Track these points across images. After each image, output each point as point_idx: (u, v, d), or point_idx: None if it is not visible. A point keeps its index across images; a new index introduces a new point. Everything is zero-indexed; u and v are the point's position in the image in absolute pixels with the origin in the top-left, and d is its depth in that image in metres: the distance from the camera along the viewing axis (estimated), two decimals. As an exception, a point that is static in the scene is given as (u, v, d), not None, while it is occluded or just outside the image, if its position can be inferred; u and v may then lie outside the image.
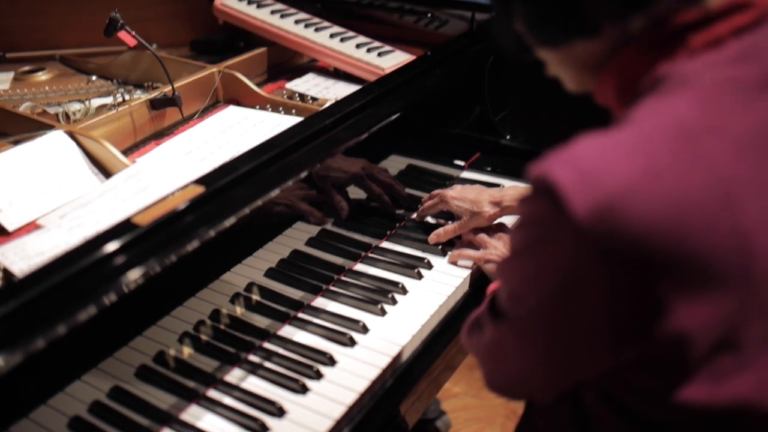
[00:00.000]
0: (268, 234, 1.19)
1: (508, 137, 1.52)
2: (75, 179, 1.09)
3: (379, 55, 1.47)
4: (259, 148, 1.04)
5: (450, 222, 1.25)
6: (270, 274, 1.14)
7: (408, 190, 1.35)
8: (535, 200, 0.61)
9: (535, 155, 0.60)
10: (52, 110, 1.33)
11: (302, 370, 0.96)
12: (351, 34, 1.55)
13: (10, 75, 1.52)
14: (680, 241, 0.55)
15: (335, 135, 1.12)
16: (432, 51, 1.43)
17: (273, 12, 1.58)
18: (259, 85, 1.43)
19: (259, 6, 1.59)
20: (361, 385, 0.94)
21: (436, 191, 1.28)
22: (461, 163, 1.51)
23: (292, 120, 1.23)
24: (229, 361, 0.98)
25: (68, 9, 1.63)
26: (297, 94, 1.44)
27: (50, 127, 1.19)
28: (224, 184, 0.95)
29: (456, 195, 1.23)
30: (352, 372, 0.96)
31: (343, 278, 1.16)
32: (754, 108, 0.60)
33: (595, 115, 0.77)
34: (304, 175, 1.04)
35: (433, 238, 1.23)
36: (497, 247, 1.17)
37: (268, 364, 0.98)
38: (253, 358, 0.99)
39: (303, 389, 0.93)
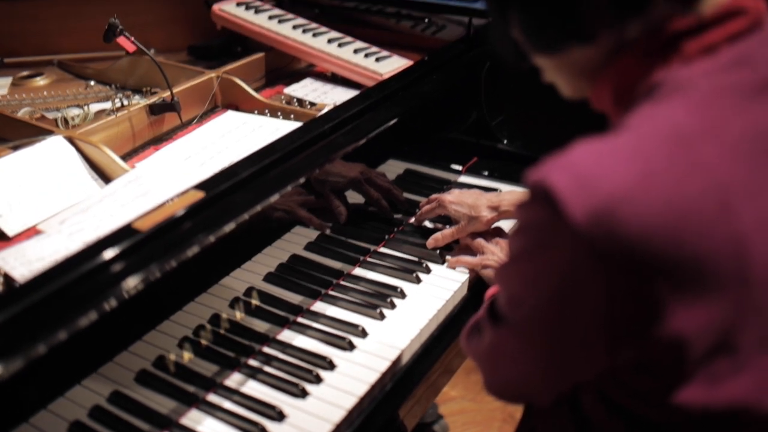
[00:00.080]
0: (267, 238, 1.19)
1: (504, 142, 1.53)
2: (75, 184, 1.10)
3: (377, 60, 1.48)
4: (259, 153, 1.04)
5: (448, 226, 1.26)
6: (269, 278, 1.15)
7: (406, 195, 1.35)
8: (533, 205, 0.61)
9: (532, 160, 0.61)
10: (50, 115, 1.34)
11: (302, 375, 0.96)
12: (348, 39, 1.56)
13: (8, 80, 1.53)
14: (677, 245, 0.56)
15: (334, 140, 1.13)
16: (429, 56, 1.44)
17: (271, 17, 1.58)
18: (257, 90, 1.44)
19: (257, 11, 1.60)
20: (361, 389, 0.94)
21: (434, 196, 1.28)
22: (458, 167, 1.52)
23: (291, 125, 1.24)
24: (228, 366, 0.98)
25: (65, 14, 1.63)
26: (295, 99, 1.44)
27: (49, 133, 1.19)
28: (224, 189, 0.95)
29: (454, 199, 1.23)
30: (352, 376, 0.96)
31: (342, 283, 1.16)
32: (748, 113, 0.61)
33: (590, 120, 0.78)
34: (303, 180, 1.05)
35: (431, 242, 1.24)
36: (495, 252, 1.18)
37: (267, 369, 0.98)
38: (252, 362, 0.99)
39: (303, 393, 0.93)
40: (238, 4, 1.61)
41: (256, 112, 1.37)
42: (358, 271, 1.19)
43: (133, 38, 1.35)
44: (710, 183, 0.58)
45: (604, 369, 0.65)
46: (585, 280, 0.59)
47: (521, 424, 0.91)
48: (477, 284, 1.19)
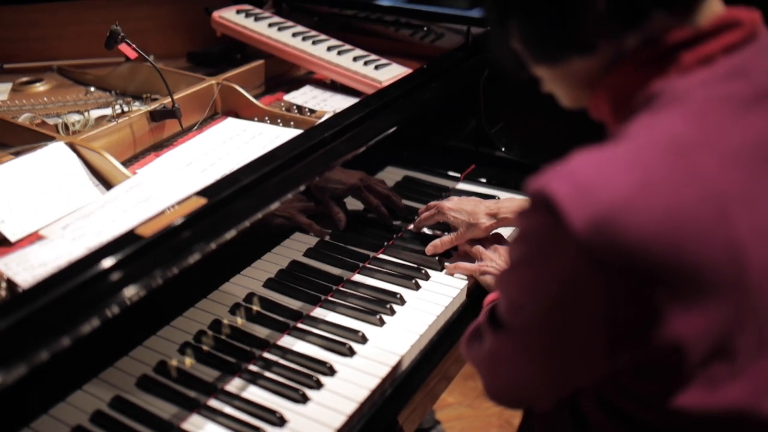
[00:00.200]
0: (266, 245, 1.20)
1: (503, 149, 1.54)
2: (76, 190, 1.10)
3: (376, 68, 1.49)
4: (260, 160, 1.05)
5: (447, 233, 1.26)
6: (269, 284, 1.15)
7: (404, 202, 1.36)
8: (534, 213, 0.62)
9: (530, 168, 0.62)
10: (51, 121, 1.34)
11: (302, 380, 0.97)
12: (348, 47, 1.57)
13: (8, 86, 1.53)
14: (675, 252, 0.57)
15: (335, 147, 1.13)
16: (428, 64, 1.45)
17: (271, 25, 1.59)
18: (256, 97, 1.45)
19: (257, 19, 1.61)
20: (361, 394, 0.95)
21: (433, 202, 1.29)
22: (457, 174, 1.53)
23: (291, 132, 1.25)
24: (229, 371, 0.99)
25: (65, 20, 1.64)
26: (295, 106, 1.45)
27: (51, 139, 1.20)
28: (226, 196, 0.96)
29: (453, 206, 1.24)
30: (352, 382, 0.97)
31: (341, 289, 1.17)
32: (744, 123, 0.63)
33: (588, 128, 0.79)
34: (304, 187, 1.06)
35: (430, 249, 1.24)
36: (493, 259, 1.19)
37: (268, 374, 0.99)
38: (253, 367, 1.00)
39: (303, 399, 0.94)
40: (239, 12, 1.63)
41: (256, 119, 1.38)
42: (358, 278, 1.20)
43: (134, 45, 1.36)
44: (708, 192, 0.59)
45: (604, 373, 0.65)
46: (585, 287, 0.60)
47: (521, 428, 0.91)
48: (476, 291, 1.19)
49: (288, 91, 1.52)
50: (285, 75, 1.63)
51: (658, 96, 0.65)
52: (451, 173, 1.53)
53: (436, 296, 1.16)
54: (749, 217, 0.60)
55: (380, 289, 1.16)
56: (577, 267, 0.59)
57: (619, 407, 0.70)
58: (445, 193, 1.45)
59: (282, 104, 1.47)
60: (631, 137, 0.63)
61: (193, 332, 1.04)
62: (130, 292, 0.81)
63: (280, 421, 0.90)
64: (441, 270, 1.22)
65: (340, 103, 1.46)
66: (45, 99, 1.48)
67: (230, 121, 1.34)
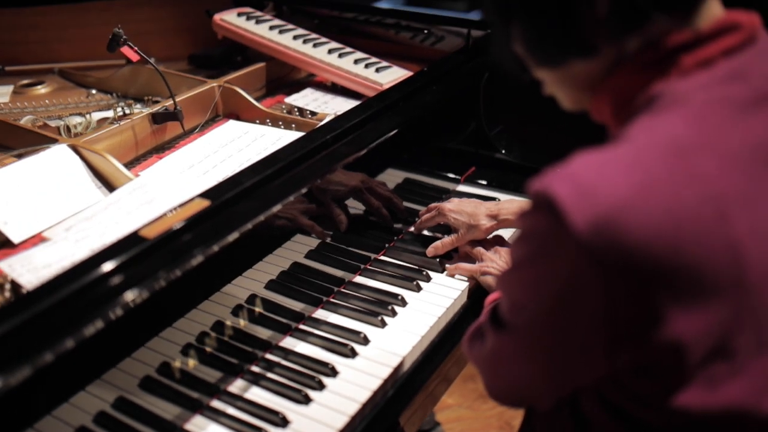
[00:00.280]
0: (268, 247, 1.20)
1: (502, 152, 1.54)
2: (79, 192, 1.11)
3: (377, 70, 1.50)
4: (263, 162, 1.06)
5: (447, 235, 1.27)
6: (271, 286, 1.16)
7: (405, 204, 1.37)
8: (536, 214, 0.63)
9: (529, 170, 0.63)
10: (52, 123, 1.35)
11: (305, 381, 0.97)
12: (349, 49, 1.58)
13: (10, 88, 1.54)
14: (675, 253, 0.58)
15: (337, 150, 1.14)
16: (429, 67, 1.46)
17: (272, 28, 1.60)
18: (258, 99, 1.45)
19: (258, 22, 1.61)
20: (363, 395, 0.95)
21: (434, 204, 1.30)
22: (457, 177, 1.54)
23: (293, 134, 1.25)
24: (232, 372, 0.99)
25: (65, 23, 1.64)
26: (296, 109, 1.46)
27: (53, 141, 1.20)
28: (229, 198, 0.96)
29: (453, 208, 1.25)
30: (354, 382, 0.97)
31: (343, 290, 1.17)
32: (743, 125, 0.63)
33: (587, 130, 0.79)
34: (307, 188, 1.06)
35: (431, 251, 1.25)
36: (494, 260, 1.19)
37: (270, 375, 0.99)
38: (255, 368, 1.00)
39: (306, 399, 0.94)
40: (240, 15, 1.63)
41: (257, 121, 1.38)
42: (359, 279, 1.21)
43: (136, 48, 1.36)
44: (707, 193, 0.60)
45: (604, 373, 0.66)
46: (586, 287, 0.60)
47: (522, 428, 0.92)
48: (477, 292, 1.20)
49: (289, 93, 1.53)
50: (286, 77, 1.64)
51: (658, 98, 0.65)
52: (451, 175, 1.53)
53: (437, 297, 1.16)
54: (749, 219, 0.61)
55: (381, 291, 1.17)
56: (578, 267, 0.60)
57: (619, 407, 0.70)
58: (445, 195, 1.46)
59: (283, 107, 1.48)
60: (632, 139, 0.63)
61: (196, 334, 1.04)
62: (134, 293, 0.82)
63: (283, 421, 0.91)
64: (442, 271, 1.23)
65: (341, 105, 1.46)
66: (46, 101, 1.48)
67: (232, 124, 1.35)
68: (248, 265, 1.17)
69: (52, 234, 1.00)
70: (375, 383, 0.97)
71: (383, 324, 1.09)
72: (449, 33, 1.63)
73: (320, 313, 1.12)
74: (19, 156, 1.17)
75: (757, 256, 0.60)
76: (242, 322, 1.08)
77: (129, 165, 1.24)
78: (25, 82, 1.57)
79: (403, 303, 1.14)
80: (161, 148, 1.32)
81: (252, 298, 1.12)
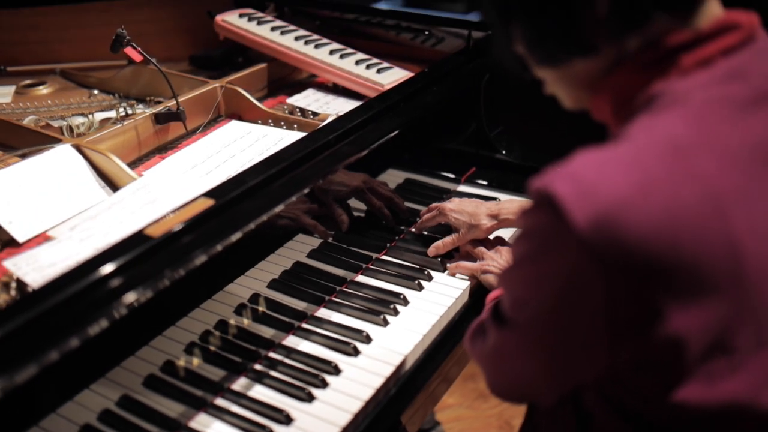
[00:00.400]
0: (270, 246, 1.21)
1: (503, 152, 1.55)
2: (83, 192, 1.12)
3: (378, 71, 1.51)
4: (266, 161, 1.06)
5: (448, 235, 1.28)
6: (273, 285, 1.17)
7: (406, 204, 1.37)
8: (537, 212, 0.64)
9: (530, 170, 0.63)
10: (55, 123, 1.35)
11: (308, 379, 0.98)
12: (350, 50, 1.59)
13: (12, 89, 1.54)
14: (674, 250, 0.59)
15: (339, 150, 1.15)
16: (430, 68, 1.46)
17: (273, 29, 1.61)
18: (259, 100, 1.46)
19: (259, 23, 1.62)
20: (366, 393, 0.96)
21: (435, 204, 1.31)
22: (457, 177, 1.55)
23: (295, 135, 1.26)
24: (235, 370, 1.00)
25: (66, 23, 1.65)
26: (297, 109, 1.47)
27: (57, 141, 1.21)
28: (233, 197, 0.97)
29: (454, 208, 1.26)
30: (357, 381, 0.98)
31: (345, 289, 1.18)
32: (742, 124, 0.64)
33: (587, 130, 0.80)
34: (309, 188, 1.07)
35: (432, 250, 1.26)
36: (495, 259, 1.20)
37: (274, 373, 1.00)
38: (259, 367, 1.01)
39: (309, 397, 0.95)
40: (241, 16, 1.64)
41: (259, 121, 1.39)
42: (361, 278, 1.21)
43: (139, 48, 1.37)
44: (706, 192, 0.60)
45: (606, 369, 0.67)
46: (586, 283, 0.61)
47: (525, 424, 0.93)
48: (478, 291, 1.21)
49: (291, 94, 1.54)
50: (287, 78, 1.65)
51: (658, 97, 0.66)
52: (451, 176, 1.54)
53: (438, 297, 1.17)
54: (747, 217, 0.61)
55: (383, 290, 1.18)
56: (579, 264, 0.60)
57: (621, 402, 0.71)
58: (446, 195, 1.47)
59: (285, 107, 1.48)
60: (632, 138, 0.64)
61: (199, 332, 1.05)
62: (138, 292, 0.82)
63: (287, 419, 0.91)
64: (443, 271, 1.23)
65: (343, 106, 1.47)
66: (49, 102, 1.49)
67: (234, 124, 1.36)
68: (251, 265, 1.18)
69: (57, 233, 1.01)
70: (378, 381, 0.98)
71: (385, 323, 1.10)
72: (450, 34, 1.64)
73: (323, 312, 1.13)
74: (23, 156, 1.18)
75: (755, 255, 0.61)
76: (245, 321, 1.09)
77: (132, 165, 1.25)
78: (27, 82, 1.57)
79: (405, 302, 1.15)
80: (164, 148, 1.33)
81: (255, 297, 1.12)
